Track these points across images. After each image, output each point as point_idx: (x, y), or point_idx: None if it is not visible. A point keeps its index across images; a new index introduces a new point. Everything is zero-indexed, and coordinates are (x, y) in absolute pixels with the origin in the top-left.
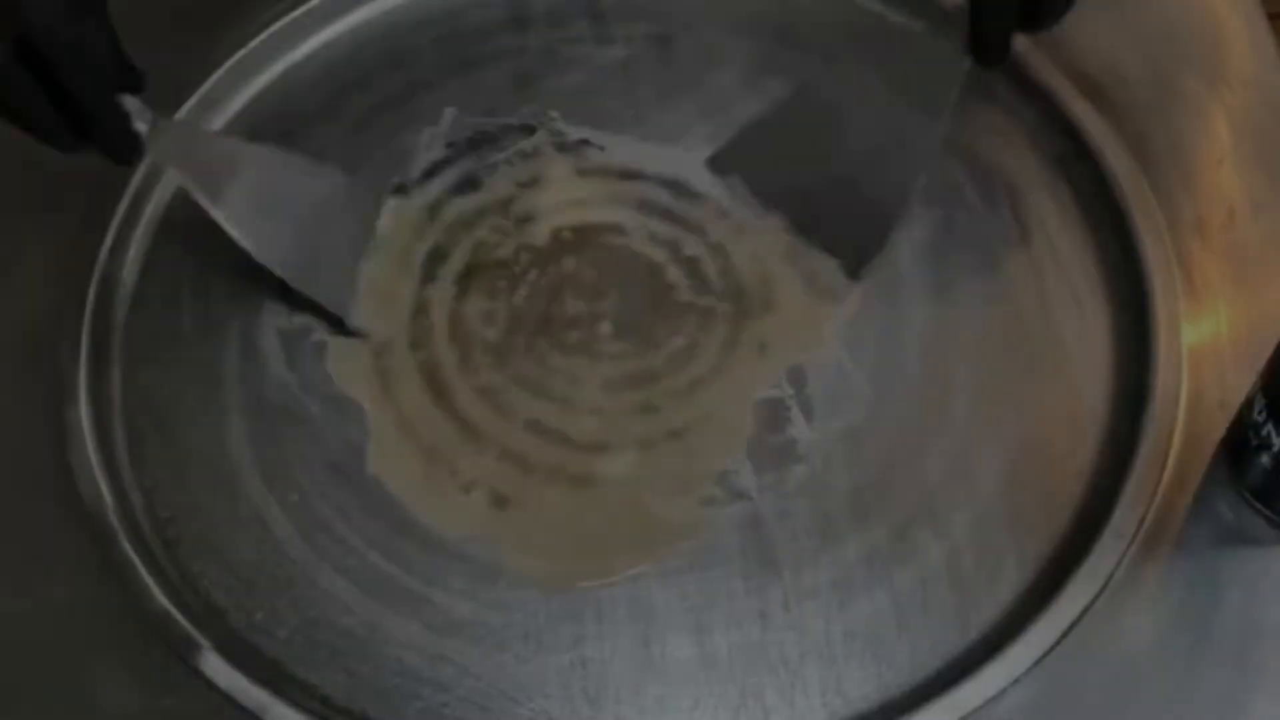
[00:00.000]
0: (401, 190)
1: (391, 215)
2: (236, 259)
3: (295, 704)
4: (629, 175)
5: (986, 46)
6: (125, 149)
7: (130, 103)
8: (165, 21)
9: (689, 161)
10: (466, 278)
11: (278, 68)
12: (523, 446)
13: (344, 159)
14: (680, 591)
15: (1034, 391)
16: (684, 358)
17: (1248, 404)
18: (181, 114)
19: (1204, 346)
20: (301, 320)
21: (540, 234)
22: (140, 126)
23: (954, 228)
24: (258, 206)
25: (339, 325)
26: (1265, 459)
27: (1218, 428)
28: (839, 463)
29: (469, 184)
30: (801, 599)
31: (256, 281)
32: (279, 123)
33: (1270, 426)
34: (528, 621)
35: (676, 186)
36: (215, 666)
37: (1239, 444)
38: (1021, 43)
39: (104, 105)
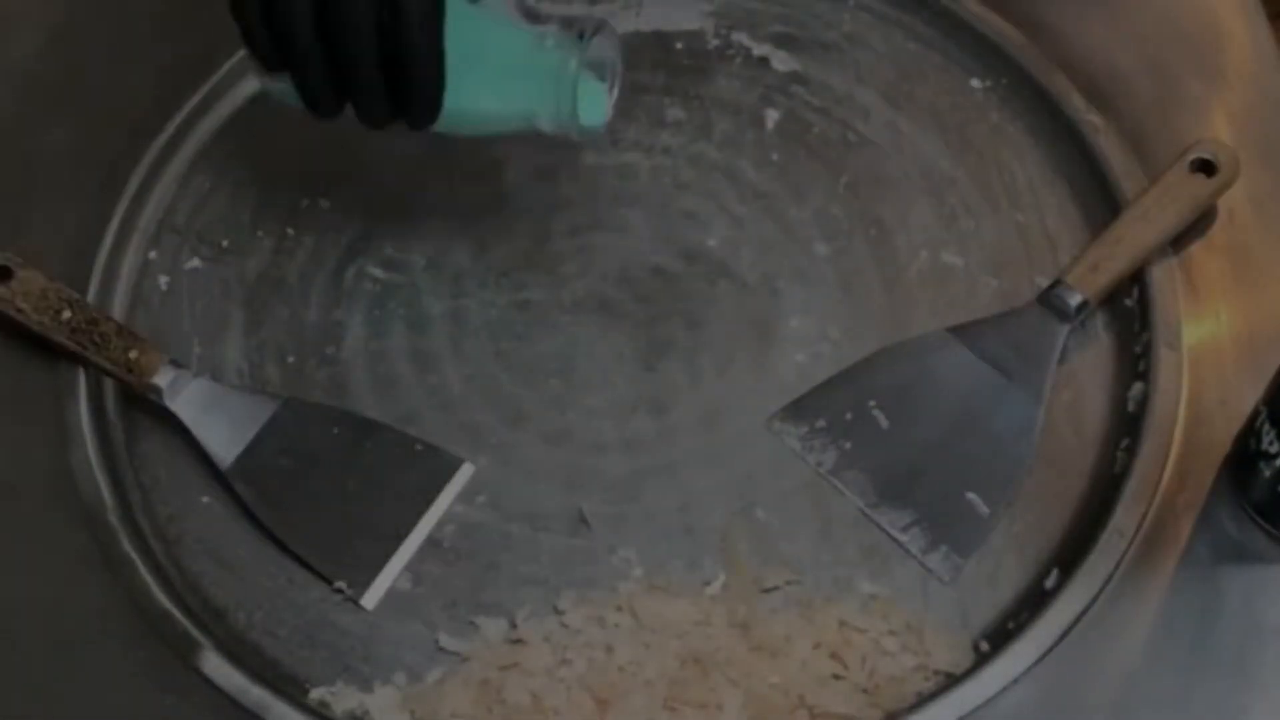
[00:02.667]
0: None
1: None
2: (234, 261)
3: (295, 704)
4: None
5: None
6: (432, 105)
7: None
8: (166, 20)
9: None
10: None
11: None
12: None
13: (344, 158)
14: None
15: None
16: None
17: (1251, 419)
18: (182, 113)
19: (1204, 346)
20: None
21: None
22: (161, 381)
23: (953, 227)
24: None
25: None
26: (1268, 475)
27: (1218, 427)
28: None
29: None
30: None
31: (255, 290)
32: (278, 123)
33: (1273, 444)
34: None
35: None
36: (215, 666)
37: (1243, 459)
38: (1020, 43)
39: (432, 42)
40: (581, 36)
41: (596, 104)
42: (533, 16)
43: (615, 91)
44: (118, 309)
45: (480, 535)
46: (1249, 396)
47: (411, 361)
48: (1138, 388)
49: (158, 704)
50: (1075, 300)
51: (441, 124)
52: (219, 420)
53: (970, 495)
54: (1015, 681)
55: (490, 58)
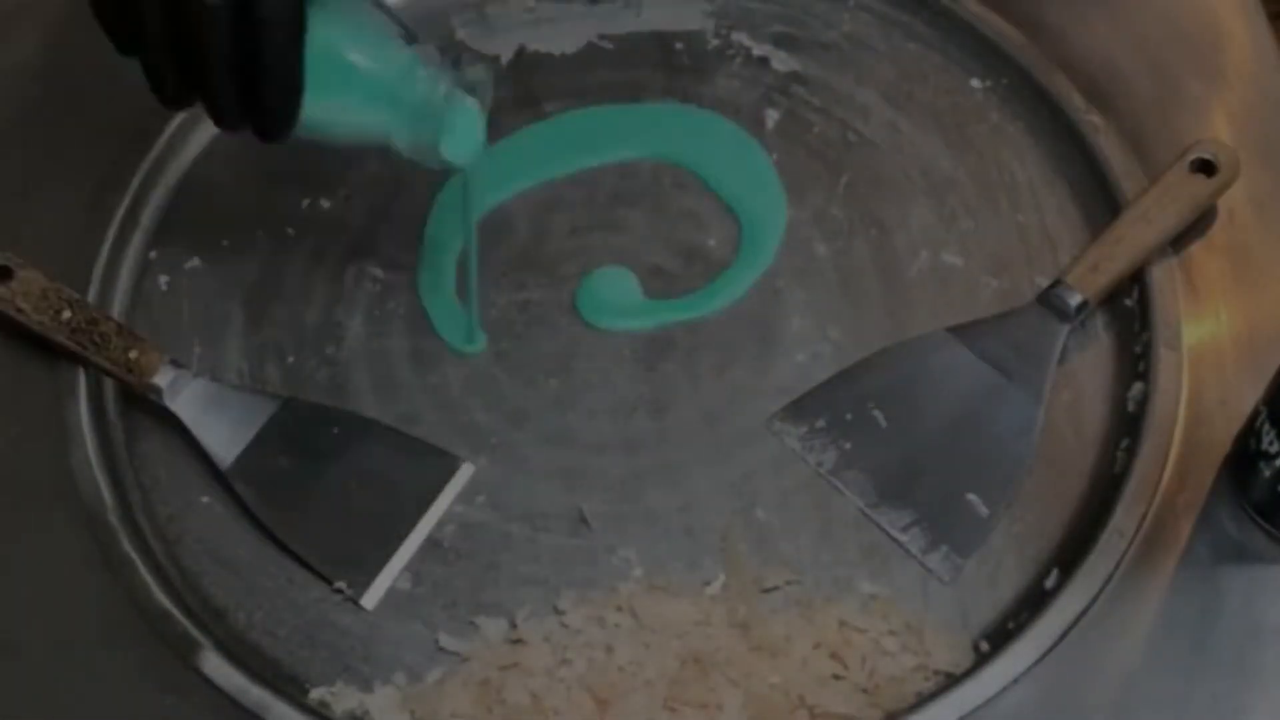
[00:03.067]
0: None
1: None
2: (234, 261)
3: (295, 704)
4: None
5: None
6: (285, 121)
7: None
8: None
9: None
10: None
11: None
12: None
13: (344, 158)
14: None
15: None
16: None
17: (1251, 419)
18: (182, 113)
19: (1204, 346)
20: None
21: None
22: (161, 381)
23: (953, 227)
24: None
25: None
26: (1268, 475)
27: (1218, 427)
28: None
29: None
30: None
31: (255, 290)
32: None
33: (1273, 444)
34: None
35: None
36: (215, 666)
37: (1243, 459)
38: (1020, 43)
39: (291, 59)
40: (456, 66)
41: (465, 139)
42: (409, 37)
43: (483, 128)
44: (118, 309)
45: (480, 535)
46: (1249, 396)
47: (411, 361)
48: (1138, 388)
49: (158, 704)
50: (1075, 300)
51: (293, 133)
52: (219, 420)
53: (970, 495)
54: (1015, 681)
55: (353, 76)
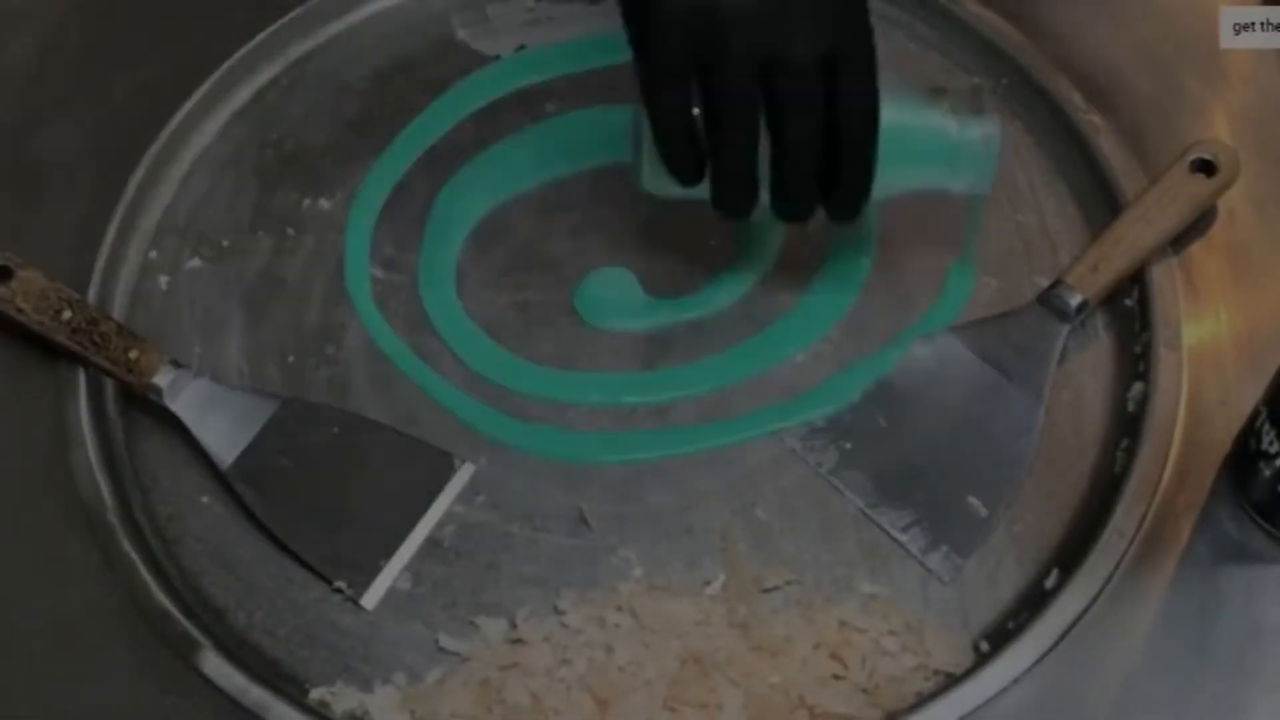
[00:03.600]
0: None
1: None
2: (234, 261)
3: (295, 704)
4: None
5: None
6: (862, 203)
7: (165, 368)
8: (166, 20)
9: None
10: None
11: (277, 68)
12: None
13: (344, 158)
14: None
15: None
16: None
17: (1251, 419)
18: (182, 113)
19: (1204, 346)
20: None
21: None
22: (161, 381)
23: (954, 227)
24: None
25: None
26: (1268, 475)
27: (1218, 427)
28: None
29: None
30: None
31: (255, 290)
32: (278, 123)
33: (1273, 444)
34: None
35: None
36: (215, 666)
37: (1243, 459)
38: (1020, 43)
39: (870, 146)
40: (978, 110)
41: (987, 166)
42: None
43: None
44: (118, 309)
45: (480, 535)
46: (1249, 396)
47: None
48: (1138, 388)
49: (158, 704)
50: (1075, 300)
51: None
52: (219, 420)
53: (970, 496)
54: (1015, 681)
55: (910, 149)
